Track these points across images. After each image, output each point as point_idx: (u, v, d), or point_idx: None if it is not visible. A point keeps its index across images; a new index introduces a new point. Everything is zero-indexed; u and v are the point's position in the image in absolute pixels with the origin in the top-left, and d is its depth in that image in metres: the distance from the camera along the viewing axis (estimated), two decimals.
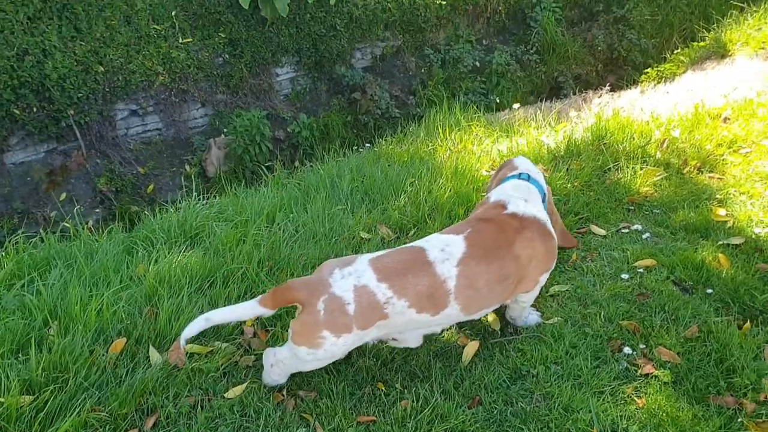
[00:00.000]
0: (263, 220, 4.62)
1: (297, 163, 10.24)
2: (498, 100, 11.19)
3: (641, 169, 4.88)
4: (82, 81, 8.66)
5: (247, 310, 2.97)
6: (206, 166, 9.60)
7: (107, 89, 8.96)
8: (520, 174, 3.50)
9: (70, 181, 9.07)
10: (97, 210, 9.09)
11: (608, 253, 4.18)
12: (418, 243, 3.15)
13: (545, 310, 3.76)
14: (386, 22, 10.83)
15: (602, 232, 4.41)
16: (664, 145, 5.19)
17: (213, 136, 9.88)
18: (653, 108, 6.15)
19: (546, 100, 9.03)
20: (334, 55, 10.49)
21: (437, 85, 11.02)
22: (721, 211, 4.41)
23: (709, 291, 3.76)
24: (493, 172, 4.17)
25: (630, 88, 8.61)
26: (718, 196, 4.59)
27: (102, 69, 8.84)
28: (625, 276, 3.90)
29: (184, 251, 4.40)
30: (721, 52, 8.35)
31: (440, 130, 6.54)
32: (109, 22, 9.05)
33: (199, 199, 5.37)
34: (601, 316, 3.60)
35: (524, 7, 11.94)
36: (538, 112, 7.04)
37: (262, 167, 9.74)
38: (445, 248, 3.06)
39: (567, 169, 5.05)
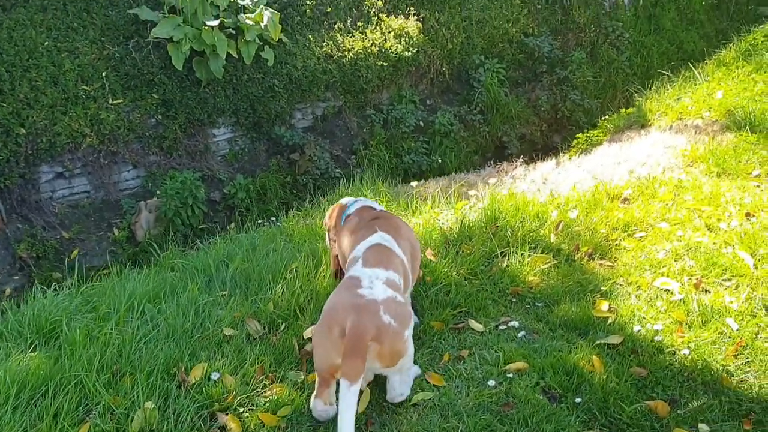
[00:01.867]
0: (121, 314, 4.20)
1: (232, 227, 9.86)
2: (440, 160, 10.90)
3: (530, 255, 4.52)
4: (2, 144, 8.29)
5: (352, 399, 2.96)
6: (135, 230, 9.18)
7: (29, 151, 8.58)
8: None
9: None
10: (16, 277, 8.62)
11: (481, 353, 3.80)
12: None
13: (404, 422, 3.37)
14: (327, 83, 10.56)
15: (480, 327, 4.04)
16: (559, 228, 4.86)
17: (145, 198, 9.47)
18: (555, 185, 5.85)
19: (469, 170, 8.66)
20: (273, 115, 10.18)
21: (379, 144, 10.72)
22: (604, 305, 4.06)
23: (578, 400, 3.39)
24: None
25: (546, 160, 8.32)
26: (603, 287, 4.24)
27: (24, 131, 8.47)
28: (492, 382, 3.52)
29: (29, 352, 3.99)
30: (641, 122, 8.13)
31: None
32: (35, 83, 8.71)
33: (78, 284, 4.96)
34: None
35: (468, 68, 11.72)
36: (454, 183, 6.75)
37: (195, 230, 9.37)
38: None
39: (456, 253, 4.69)
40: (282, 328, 4.11)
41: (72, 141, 8.87)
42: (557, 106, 11.92)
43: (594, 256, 4.60)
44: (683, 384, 3.47)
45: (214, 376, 3.65)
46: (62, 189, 9.08)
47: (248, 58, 9.69)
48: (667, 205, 5.08)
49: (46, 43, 8.91)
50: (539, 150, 12.16)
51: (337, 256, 4.30)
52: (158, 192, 9.27)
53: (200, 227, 9.45)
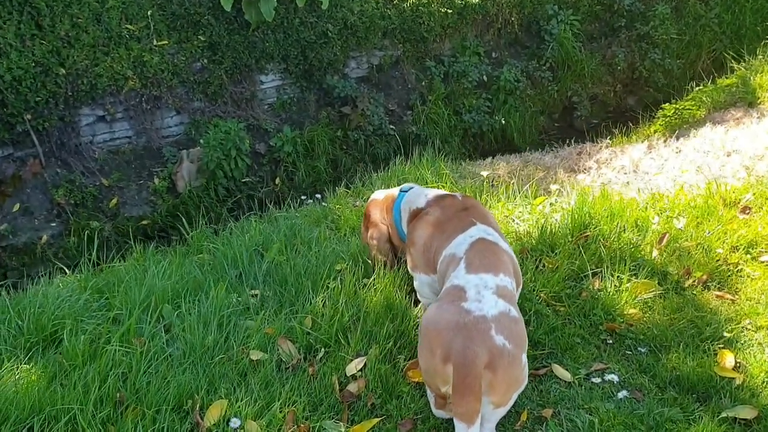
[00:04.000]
0: (133, 323, 3.42)
1: (277, 181, 9.07)
2: (503, 121, 9.84)
3: (629, 280, 3.57)
4: (41, 84, 7.56)
5: None
6: (176, 180, 8.44)
7: (70, 93, 7.84)
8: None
9: (25, 191, 8.00)
10: (53, 224, 8.00)
11: (569, 414, 2.93)
12: None
13: None
14: (385, 29, 9.51)
15: (567, 376, 3.14)
16: (664, 241, 3.87)
17: (188, 147, 8.71)
18: (648, 176, 4.80)
19: (541, 149, 7.52)
20: (325, 63, 9.21)
21: (437, 100, 9.69)
22: (729, 359, 3.11)
23: None
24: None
25: (637, 141, 7.14)
26: (726, 332, 3.28)
27: (64, 71, 7.72)
28: None
29: (24, 363, 3.27)
30: (748, 99, 6.91)
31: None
32: (76, 20, 7.90)
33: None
34: None
35: (539, 18, 10.49)
36: (528, 165, 5.74)
37: (238, 183, 8.61)
38: None
39: (536, 268, 3.77)
40: (321, 355, 3.29)
41: (114, 83, 8.12)
42: (635, 65, 10.67)
43: (710, 284, 3.63)
44: None
45: (234, 423, 2.86)
46: (103, 134, 8.38)
47: (301, 0, 8.70)
48: None
49: None
50: (611, 113, 11.00)
51: (380, 253, 3.70)
52: (201, 141, 8.48)
53: (243, 180, 8.69)
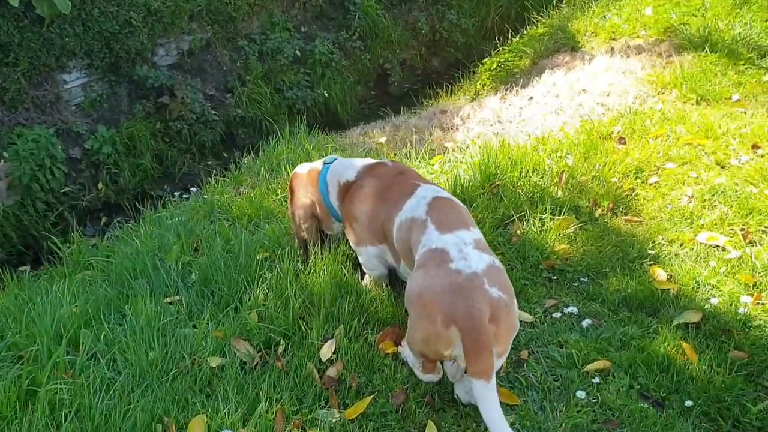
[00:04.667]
0: (58, 354, 2.98)
1: (101, 186, 8.34)
2: (326, 94, 9.81)
3: (551, 219, 3.75)
4: None
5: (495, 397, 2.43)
6: None
7: None
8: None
9: None
10: None
11: (545, 351, 3.05)
12: None
13: None
14: (191, 12, 8.99)
15: (528, 317, 3.25)
16: (563, 179, 4.12)
17: None
18: (524, 129, 5.05)
19: (393, 113, 7.59)
20: (133, 53, 8.54)
21: (257, 80, 9.41)
22: (660, 273, 3.40)
23: (689, 403, 2.74)
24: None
25: (465, 96, 7.42)
26: (649, 250, 3.58)
27: None
28: (581, 394, 2.79)
29: None
30: (570, 44, 7.50)
31: (287, 167, 4.99)
32: None
33: None
34: None
35: None
36: (399, 129, 5.77)
37: (58, 194, 7.79)
38: None
39: None
40: (283, 348, 3.10)
41: None
42: (435, 27, 11.11)
43: (616, 211, 3.92)
44: None
45: None
46: None
47: None
48: (663, 141, 4.50)
49: None
50: (419, 76, 11.41)
51: (303, 229, 3.55)
52: (6, 154, 7.53)
53: (63, 191, 7.89)
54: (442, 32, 11.15)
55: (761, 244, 3.52)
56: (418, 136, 5.78)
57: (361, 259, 3.38)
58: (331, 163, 3.49)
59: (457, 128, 6.13)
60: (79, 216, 8.14)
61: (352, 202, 3.25)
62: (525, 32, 8.87)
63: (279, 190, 4.62)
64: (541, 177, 4.17)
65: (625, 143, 4.54)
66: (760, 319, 3.09)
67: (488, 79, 8.21)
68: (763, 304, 3.16)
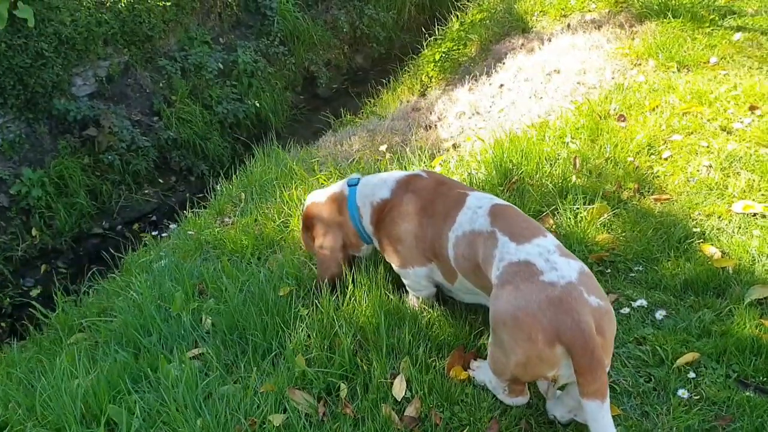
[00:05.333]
0: None
1: (35, 233, 7.68)
2: (257, 104, 9.40)
3: (584, 209, 3.58)
4: None
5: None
6: None
7: None
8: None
9: None
10: None
11: (626, 351, 2.87)
12: None
13: None
14: (105, 36, 8.39)
15: None
16: (577, 165, 3.96)
17: None
18: (509, 118, 4.86)
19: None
20: (49, 87, 7.88)
21: (183, 99, 8.91)
22: (712, 250, 3.29)
23: None
24: None
25: (412, 91, 7.14)
26: (694, 228, 3.45)
27: None
28: (682, 392, 2.62)
29: None
30: (521, 26, 7.37)
31: (277, 191, 4.56)
32: None
33: None
34: None
35: None
36: (376, 134, 5.45)
37: None
38: None
39: None
40: (345, 392, 2.79)
41: None
42: (355, 24, 10.85)
43: (642, 192, 3.79)
44: None
45: None
46: None
47: (1, 21, 7.26)
48: (661, 113, 4.41)
49: None
50: (345, 74, 11.14)
51: (334, 265, 3.26)
52: None
53: None
54: (363, 28, 10.94)
55: None
56: (400, 138, 5.52)
57: (406, 282, 3.12)
58: (356, 184, 3.20)
59: (435, 126, 5.89)
60: (15, 267, 7.51)
61: (393, 222, 2.98)
62: (467, 17, 8.64)
63: (276, 217, 4.25)
64: (551, 166, 4.00)
65: (625, 120, 4.44)
66: None
67: (434, 70, 8.01)
68: None
